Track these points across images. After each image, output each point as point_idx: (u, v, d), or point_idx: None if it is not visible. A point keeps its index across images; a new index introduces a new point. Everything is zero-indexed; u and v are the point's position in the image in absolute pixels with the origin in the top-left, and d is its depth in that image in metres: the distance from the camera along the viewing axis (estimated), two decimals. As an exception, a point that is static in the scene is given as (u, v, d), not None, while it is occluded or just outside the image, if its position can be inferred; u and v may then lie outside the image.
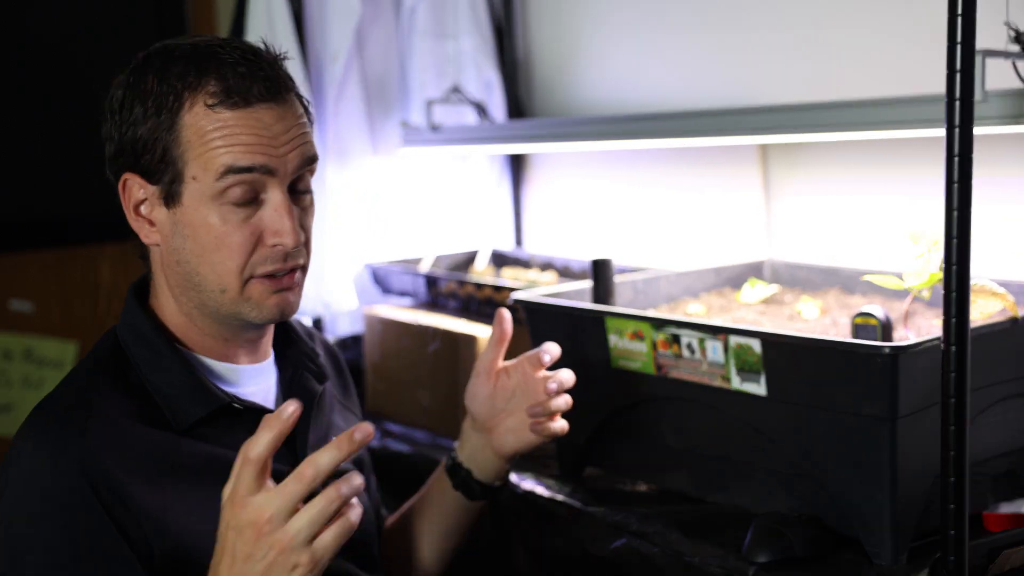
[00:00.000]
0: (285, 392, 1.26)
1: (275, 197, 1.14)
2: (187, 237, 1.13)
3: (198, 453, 1.13)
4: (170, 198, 1.13)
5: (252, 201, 1.13)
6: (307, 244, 1.19)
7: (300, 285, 1.20)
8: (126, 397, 1.13)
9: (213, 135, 1.11)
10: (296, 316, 1.35)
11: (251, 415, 1.17)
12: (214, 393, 1.15)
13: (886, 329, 1.38)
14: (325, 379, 1.31)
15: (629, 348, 1.49)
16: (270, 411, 1.19)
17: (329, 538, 0.95)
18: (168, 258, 1.17)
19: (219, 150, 1.11)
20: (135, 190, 1.15)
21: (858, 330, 1.41)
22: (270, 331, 1.27)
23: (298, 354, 1.30)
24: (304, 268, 1.19)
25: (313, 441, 1.25)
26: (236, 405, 1.16)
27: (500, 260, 2.45)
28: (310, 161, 1.17)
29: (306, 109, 1.20)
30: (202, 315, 1.18)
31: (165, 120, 1.11)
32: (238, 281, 1.14)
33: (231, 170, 1.11)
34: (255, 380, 1.23)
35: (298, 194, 1.17)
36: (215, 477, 1.10)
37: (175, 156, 1.11)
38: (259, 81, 1.12)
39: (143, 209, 1.16)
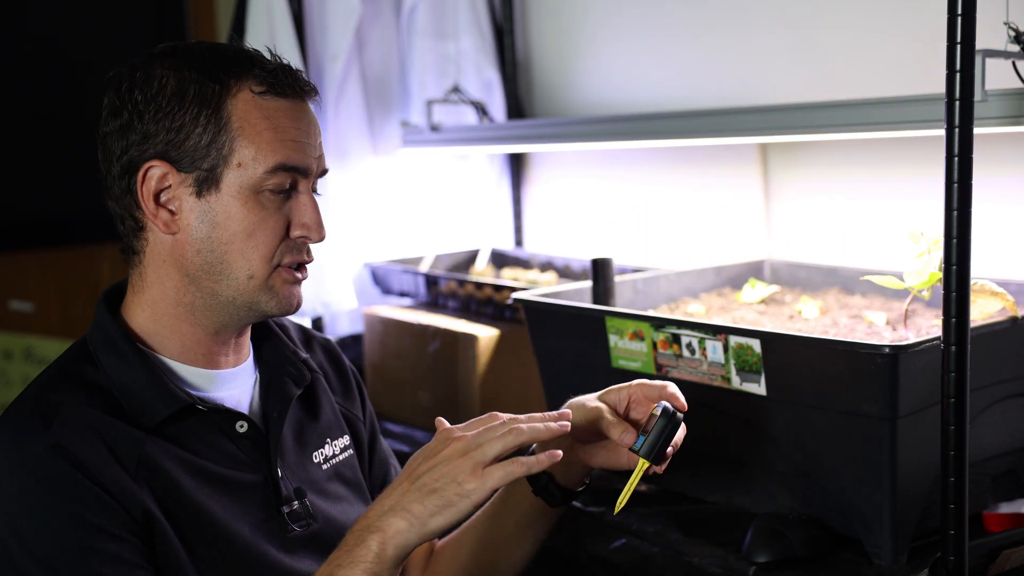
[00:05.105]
0: (263, 395, 1.24)
1: (306, 192, 1.17)
2: (217, 224, 1.13)
3: (163, 453, 1.11)
4: (205, 185, 1.13)
5: (287, 191, 1.15)
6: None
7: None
8: (91, 393, 1.12)
9: (262, 125, 1.12)
10: (294, 317, 1.35)
11: (217, 416, 1.17)
12: (176, 394, 1.14)
13: None
14: (304, 382, 1.28)
15: (629, 348, 1.49)
16: (237, 413, 1.18)
17: (499, 472, 1.04)
18: (185, 248, 1.15)
19: (272, 143, 1.12)
20: (157, 179, 1.13)
21: None
22: (248, 332, 1.25)
23: (277, 356, 1.27)
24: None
25: (290, 446, 1.23)
26: (200, 407, 1.15)
27: (500, 260, 2.45)
28: (324, 172, 1.20)
29: None
30: (205, 308, 1.16)
31: (209, 106, 1.12)
32: (267, 268, 1.15)
33: (283, 167, 1.13)
34: (229, 385, 1.21)
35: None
36: (178, 479, 1.10)
37: (220, 142, 1.12)
38: (298, 77, 1.16)
39: (163, 197, 1.14)
